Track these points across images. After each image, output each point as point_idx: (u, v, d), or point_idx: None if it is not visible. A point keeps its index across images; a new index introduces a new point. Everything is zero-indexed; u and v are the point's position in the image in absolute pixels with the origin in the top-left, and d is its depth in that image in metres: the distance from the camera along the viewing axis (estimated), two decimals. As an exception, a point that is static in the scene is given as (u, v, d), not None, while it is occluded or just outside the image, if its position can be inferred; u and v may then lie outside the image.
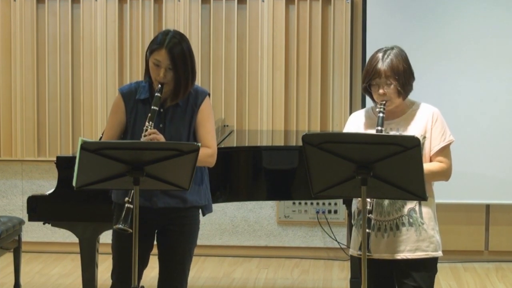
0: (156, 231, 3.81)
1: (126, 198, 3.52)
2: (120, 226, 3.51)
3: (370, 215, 3.48)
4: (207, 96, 3.81)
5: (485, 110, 6.21)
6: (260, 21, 6.50)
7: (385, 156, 3.19)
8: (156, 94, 3.63)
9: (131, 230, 3.48)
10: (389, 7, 6.27)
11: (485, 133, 6.21)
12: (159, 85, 3.63)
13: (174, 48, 3.63)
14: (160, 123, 3.68)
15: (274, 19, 6.48)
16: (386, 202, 3.58)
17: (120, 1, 6.57)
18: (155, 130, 3.60)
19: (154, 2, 6.53)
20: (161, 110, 3.70)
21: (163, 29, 6.48)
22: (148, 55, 3.69)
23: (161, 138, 3.60)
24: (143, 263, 3.81)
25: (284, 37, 6.48)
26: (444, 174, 3.62)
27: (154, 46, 3.67)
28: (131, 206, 3.49)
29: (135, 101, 3.74)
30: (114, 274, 3.81)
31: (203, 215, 3.87)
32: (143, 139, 3.56)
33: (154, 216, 3.72)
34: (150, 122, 3.59)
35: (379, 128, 3.50)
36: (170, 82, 3.66)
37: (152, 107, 3.62)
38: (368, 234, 3.42)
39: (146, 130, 3.58)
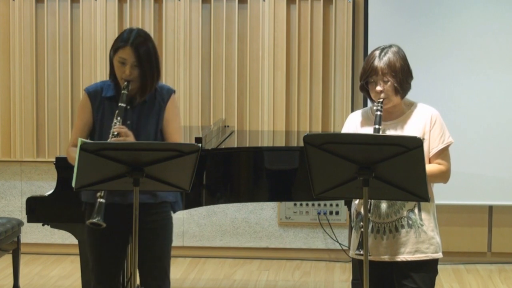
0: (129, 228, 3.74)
1: (98, 193, 3.49)
2: (93, 220, 3.46)
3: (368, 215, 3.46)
4: (173, 94, 3.82)
5: (487, 110, 6.18)
6: (261, 20, 6.46)
7: (387, 156, 3.17)
8: (122, 91, 3.64)
9: (104, 224, 3.45)
10: (391, 6, 6.25)
11: (488, 134, 6.18)
12: (125, 82, 3.64)
13: (139, 46, 3.64)
14: (128, 120, 3.69)
15: (275, 19, 6.45)
16: (384, 204, 3.55)
17: (120, 0, 6.53)
18: (124, 128, 3.59)
19: (154, 1, 6.50)
20: (128, 107, 3.70)
21: (163, 28, 6.48)
22: (112, 54, 3.71)
23: (130, 136, 3.59)
24: (121, 265, 3.77)
25: (285, 37, 6.45)
26: (442, 177, 3.59)
27: (119, 44, 3.69)
28: (103, 201, 3.48)
29: (101, 99, 3.75)
30: (93, 275, 3.76)
31: (174, 212, 3.84)
32: (111, 139, 3.54)
33: (125, 212, 3.63)
34: (118, 118, 3.61)
35: (377, 126, 3.47)
36: (136, 80, 3.66)
37: (120, 104, 3.63)
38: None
39: (115, 125, 3.58)
